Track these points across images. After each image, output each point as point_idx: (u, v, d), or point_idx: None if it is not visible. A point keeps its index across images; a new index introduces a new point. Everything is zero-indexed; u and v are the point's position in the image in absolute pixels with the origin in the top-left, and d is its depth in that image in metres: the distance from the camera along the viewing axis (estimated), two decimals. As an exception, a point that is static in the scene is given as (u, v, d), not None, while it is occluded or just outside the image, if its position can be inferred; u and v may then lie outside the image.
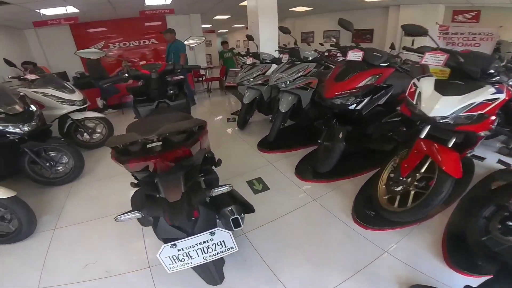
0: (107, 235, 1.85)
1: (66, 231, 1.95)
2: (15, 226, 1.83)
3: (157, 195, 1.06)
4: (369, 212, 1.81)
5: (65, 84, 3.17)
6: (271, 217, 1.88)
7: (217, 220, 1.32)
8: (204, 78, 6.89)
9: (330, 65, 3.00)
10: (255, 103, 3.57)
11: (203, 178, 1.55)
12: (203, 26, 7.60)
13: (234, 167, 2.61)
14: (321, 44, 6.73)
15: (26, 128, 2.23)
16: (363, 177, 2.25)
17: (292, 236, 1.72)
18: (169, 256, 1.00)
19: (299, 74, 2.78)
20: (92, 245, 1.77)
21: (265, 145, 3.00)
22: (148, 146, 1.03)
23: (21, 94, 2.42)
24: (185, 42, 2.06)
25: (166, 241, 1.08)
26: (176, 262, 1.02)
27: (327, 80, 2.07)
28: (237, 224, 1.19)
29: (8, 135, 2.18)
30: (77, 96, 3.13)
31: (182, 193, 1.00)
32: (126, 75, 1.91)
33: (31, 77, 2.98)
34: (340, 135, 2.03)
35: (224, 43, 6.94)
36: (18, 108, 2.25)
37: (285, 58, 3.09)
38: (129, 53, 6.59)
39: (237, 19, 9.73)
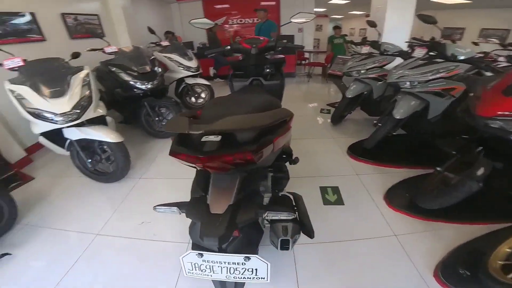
0: (173, 197, 1.99)
1: (146, 183, 2.23)
2: (113, 168, 2.21)
3: (205, 195, 0.94)
4: (463, 271, 1.30)
5: (187, 52, 3.61)
6: (331, 238, 1.57)
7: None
8: (307, 61, 6.53)
9: (491, 72, 2.08)
10: (360, 99, 3.03)
11: (272, 174, 1.39)
12: (316, 9, 7.07)
13: (311, 165, 2.33)
14: (475, 44, 5.45)
15: (149, 86, 2.66)
16: (480, 228, 1.55)
17: (346, 268, 1.39)
18: (191, 262, 0.90)
19: (438, 75, 2.06)
20: (157, 202, 1.95)
21: (358, 151, 2.51)
22: (203, 139, 0.85)
23: (153, 57, 2.89)
24: (292, 20, 1.82)
25: (194, 246, 0.97)
26: (196, 270, 0.90)
27: (485, 90, 1.39)
28: (285, 246, 0.97)
29: (135, 90, 2.66)
30: (193, 63, 3.53)
31: (228, 206, 0.83)
32: (228, 47, 1.89)
33: (164, 43, 3.55)
34: (481, 172, 1.37)
35: (336, 28, 6.23)
36: (147, 68, 2.70)
37: (418, 52, 2.38)
38: (245, 30, 6.93)
39: (355, 6, 8.67)
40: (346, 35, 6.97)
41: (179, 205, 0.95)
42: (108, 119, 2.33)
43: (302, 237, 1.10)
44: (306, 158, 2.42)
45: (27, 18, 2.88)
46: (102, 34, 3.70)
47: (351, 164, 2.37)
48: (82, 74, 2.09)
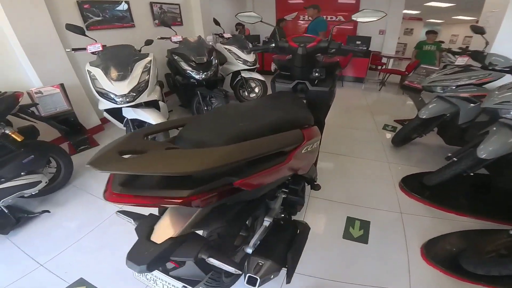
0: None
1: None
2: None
3: (160, 216, 0.84)
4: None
5: (247, 45, 3.59)
6: (337, 276, 1.36)
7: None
8: (383, 67, 5.73)
9: None
10: (438, 122, 2.46)
11: (284, 196, 1.23)
12: (406, 11, 6.02)
13: (348, 189, 2.04)
14: None
15: (202, 76, 2.75)
16: None
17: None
18: None
19: None
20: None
21: (413, 185, 2.06)
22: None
23: (211, 47, 2.96)
24: (353, 18, 1.50)
25: None
26: (142, 277, 0.82)
27: None
28: (252, 282, 0.84)
29: (191, 78, 2.78)
30: (251, 57, 3.50)
31: (168, 238, 0.69)
32: (273, 45, 1.73)
33: (226, 35, 3.61)
34: None
35: (430, 33, 5.01)
36: (204, 59, 2.78)
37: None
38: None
39: (462, 10, 7.07)
40: (442, 42, 5.75)
41: (137, 217, 0.87)
42: (161, 104, 2.51)
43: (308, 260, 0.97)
44: (345, 179, 2.13)
45: (124, 6, 3.33)
46: (181, 23, 4.01)
47: (399, 198, 1.97)
48: (145, 61, 2.28)
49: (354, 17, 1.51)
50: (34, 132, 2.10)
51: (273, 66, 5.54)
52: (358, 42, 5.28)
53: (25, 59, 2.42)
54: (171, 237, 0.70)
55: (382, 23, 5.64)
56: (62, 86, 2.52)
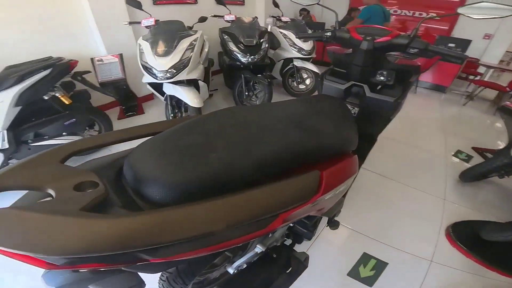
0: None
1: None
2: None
3: None
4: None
5: (306, 32, 3.23)
6: None
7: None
8: (476, 78, 4.57)
9: None
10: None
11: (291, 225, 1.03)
12: None
13: (379, 218, 1.70)
14: None
15: (249, 60, 2.58)
16: None
17: None
18: None
19: None
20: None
21: (466, 234, 1.58)
22: None
23: (263, 30, 2.73)
24: (459, 11, 1.07)
25: None
26: None
27: None
28: None
29: (237, 61, 2.64)
30: (307, 46, 3.14)
31: None
32: (329, 34, 1.40)
33: (284, 19, 3.28)
34: None
35: None
36: (254, 41, 2.59)
37: None
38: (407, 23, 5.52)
39: None
40: None
41: None
42: (201, 83, 2.46)
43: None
44: (380, 207, 1.79)
45: None
46: (243, 3, 3.84)
47: (439, 244, 1.55)
48: (191, 38, 2.22)
49: (461, 11, 1.09)
50: (86, 97, 2.31)
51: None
52: (451, 45, 4.28)
53: (95, 29, 2.62)
54: None
55: (493, 25, 4.40)
56: (121, 56, 2.68)
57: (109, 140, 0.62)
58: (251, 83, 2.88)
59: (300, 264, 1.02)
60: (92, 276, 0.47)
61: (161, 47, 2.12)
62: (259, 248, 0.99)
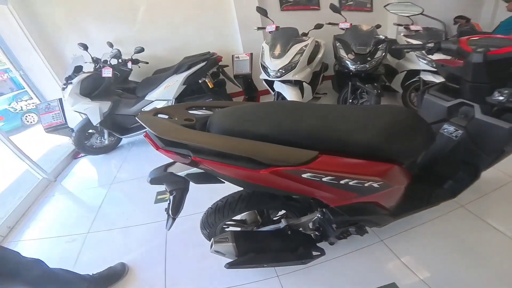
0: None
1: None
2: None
3: None
4: None
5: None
6: None
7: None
8: None
9: None
10: None
11: (320, 216, 1.15)
12: None
13: (449, 265, 1.32)
14: None
15: (357, 67, 2.58)
16: None
17: None
18: None
19: None
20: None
21: None
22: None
23: (381, 39, 2.59)
24: None
25: None
26: None
27: None
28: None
29: (346, 69, 2.70)
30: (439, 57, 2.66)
31: None
32: (432, 45, 1.28)
33: (413, 27, 2.88)
34: None
35: None
36: (367, 49, 2.55)
37: None
38: None
39: None
40: None
41: None
42: (305, 85, 2.74)
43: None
44: (460, 255, 1.39)
45: None
46: (371, 9, 3.71)
47: None
48: (302, 44, 2.54)
49: None
50: (223, 84, 3.15)
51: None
52: None
53: (237, 31, 3.47)
54: None
55: None
56: (251, 55, 3.40)
57: (210, 105, 1.11)
58: (359, 91, 2.84)
59: (310, 254, 1.14)
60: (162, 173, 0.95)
61: (277, 50, 2.57)
62: (282, 223, 1.21)
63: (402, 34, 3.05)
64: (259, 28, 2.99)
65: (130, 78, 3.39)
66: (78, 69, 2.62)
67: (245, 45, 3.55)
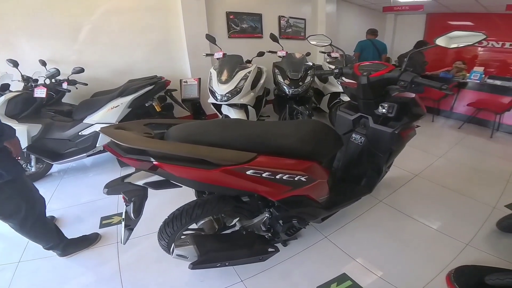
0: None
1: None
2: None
3: None
4: None
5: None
6: None
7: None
8: None
9: None
10: None
11: (269, 216, 1.35)
12: None
13: (375, 245, 1.69)
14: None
15: (292, 91, 3.03)
16: None
17: None
18: None
19: None
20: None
21: (468, 279, 1.38)
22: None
23: (309, 66, 3.16)
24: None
25: None
26: None
27: None
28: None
29: (283, 92, 3.14)
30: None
31: None
32: (337, 70, 1.75)
33: (334, 54, 3.65)
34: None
35: None
36: (298, 75, 3.05)
37: None
38: (487, 55, 5.03)
39: None
40: None
41: None
42: (250, 108, 3.04)
43: None
44: (381, 241, 1.77)
45: (257, 18, 4.16)
46: (304, 37, 4.43)
47: (432, 285, 1.44)
48: (246, 70, 2.88)
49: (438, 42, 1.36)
50: (170, 108, 3.21)
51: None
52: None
53: (186, 55, 3.65)
54: None
55: None
56: (199, 80, 3.59)
57: (165, 122, 1.24)
58: (295, 113, 3.29)
59: (263, 248, 1.31)
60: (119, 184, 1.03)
61: (224, 76, 2.83)
62: (237, 226, 1.37)
63: (327, 60, 3.75)
64: (207, 55, 3.24)
65: (63, 100, 3.13)
66: (4, 87, 2.34)
67: (193, 70, 3.74)
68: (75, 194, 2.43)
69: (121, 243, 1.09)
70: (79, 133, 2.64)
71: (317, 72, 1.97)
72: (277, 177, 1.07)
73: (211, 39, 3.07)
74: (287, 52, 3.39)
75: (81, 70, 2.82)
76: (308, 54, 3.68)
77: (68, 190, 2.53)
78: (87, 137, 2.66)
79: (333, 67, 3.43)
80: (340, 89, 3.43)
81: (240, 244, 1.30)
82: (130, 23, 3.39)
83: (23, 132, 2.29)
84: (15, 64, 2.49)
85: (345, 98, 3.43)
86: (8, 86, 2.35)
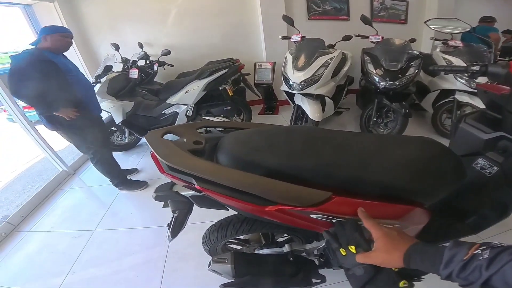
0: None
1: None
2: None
3: None
4: None
5: (485, 60, 2.48)
6: None
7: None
8: None
9: None
10: None
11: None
12: None
13: None
14: None
15: (384, 84, 2.42)
16: None
17: None
18: None
19: None
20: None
21: None
22: None
23: (415, 55, 2.42)
24: None
25: None
26: None
27: None
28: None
29: (373, 85, 2.55)
30: (481, 79, 2.42)
31: None
32: (477, 68, 1.09)
33: (452, 43, 2.64)
34: None
35: None
36: (397, 66, 2.39)
37: None
38: None
39: None
40: None
41: None
42: (327, 100, 2.63)
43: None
44: None
45: None
46: (405, 21, 3.50)
47: None
48: (327, 56, 2.44)
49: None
50: (242, 92, 3.13)
51: None
52: None
53: (262, 38, 3.45)
54: None
55: None
56: (274, 64, 3.36)
57: (222, 126, 1.08)
58: (385, 110, 2.67)
59: (308, 279, 1.06)
60: (168, 191, 0.92)
61: (300, 62, 2.49)
62: (286, 248, 1.14)
63: (438, 50, 2.83)
64: (283, 37, 2.91)
65: (156, 80, 3.50)
66: (108, 68, 2.74)
67: (268, 54, 3.52)
68: (155, 168, 2.73)
69: (167, 239, 1.05)
70: (163, 112, 2.89)
71: (436, 67, 1.38)
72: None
73: (288, 20, 2.71)
74: (382, 37, 2.69)
75: (168, 52, 3.02)
76: (412, 40, 2.84)
77: (150, 163, 2.87)
78: (168, 116, 2.90)
79: (451, 58, 2.55)
80: (456, 86, 2.56)
81: (283, 270, 1.10)
82: (210, 5, 3.41)
83: (119, 109, 2.66)
84: (117, 47, 2.85)
85: (464, 97, 2.55)
86: (111, 67, 2.72)
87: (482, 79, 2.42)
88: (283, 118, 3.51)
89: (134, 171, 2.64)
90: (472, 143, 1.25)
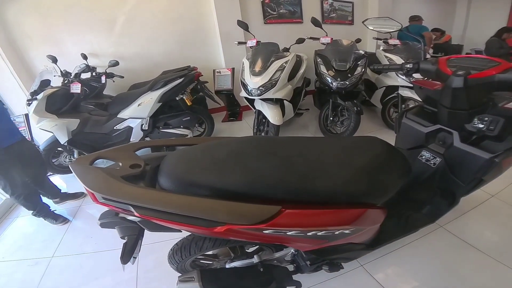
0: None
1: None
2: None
3: None
4: None
5: (421, 58, 2.76)
6: None
7: None
8: None
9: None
10: None
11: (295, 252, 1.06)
12: None
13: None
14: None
15: (337, 85, 2.55)
16: None
17: None
18: None
19: None
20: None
21: None
22: None
23: (361, 55, 2.60)
24: None
25: None
26: None
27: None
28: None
29: (326, 86, 2.67)
30: (419, 74, 2.70)
31: None
32: (410, 66, 1.23)
33: (392, 41, 2.92)
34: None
35: None
36: (346, 66, 2.54)
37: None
38: None
39: None
40: None
41: None
42: (286, 103, 2.68)
43: None
44: (434, 275, 1.33)
45: (295, 2, 3.66)
46: (352, 22, 3.77)
47: None
48: (282, 60, 2.49)
49: None
50: (202, 101, 3.04)
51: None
52: None
53: (219, 44, 3.41)
54: None
55: None
56: (233, 70, 3.34)
57: (158, 144, 0.98)
58: (339, 109, 2.81)
59: (280, 286, 1.03)
60: (113, 218, 0.81)
61: (257, 67, 2.50)
62: (255, 259, 1.11)
63: (381, 48, 3.08)
64: (239, 43, 2.91)
65: (105, 93, 3.22)
66: (45, 83, 2.44)
67: (227, 60, 3.49)
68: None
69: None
70: (115, 127, 2.66)
71: (376, 67, 1.48)
72: (309, 234, 0.76)
73: (243, 25, 2.72)
74: (332, 39, 2.84)
75: (116, 63, 2.81)
76: (358, 40, 3.06)
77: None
78: (122, 132, 2.68)
79: (391, 56, 2.79)
80: (398, 82, 2.80)
81: (255, 282, 1.07)
82: (162, 12, 3.27)
83: (63, 127, 2.38)
84: (54, 59, 2.57)
85: (406, 92, 2.80)
86: (49, 82, 2.43)
87: (418, 75, 2.71)
88: (247, 124, 3.49)
89: (80, 195, 2.37)
90: (415, 136, 1.35)
